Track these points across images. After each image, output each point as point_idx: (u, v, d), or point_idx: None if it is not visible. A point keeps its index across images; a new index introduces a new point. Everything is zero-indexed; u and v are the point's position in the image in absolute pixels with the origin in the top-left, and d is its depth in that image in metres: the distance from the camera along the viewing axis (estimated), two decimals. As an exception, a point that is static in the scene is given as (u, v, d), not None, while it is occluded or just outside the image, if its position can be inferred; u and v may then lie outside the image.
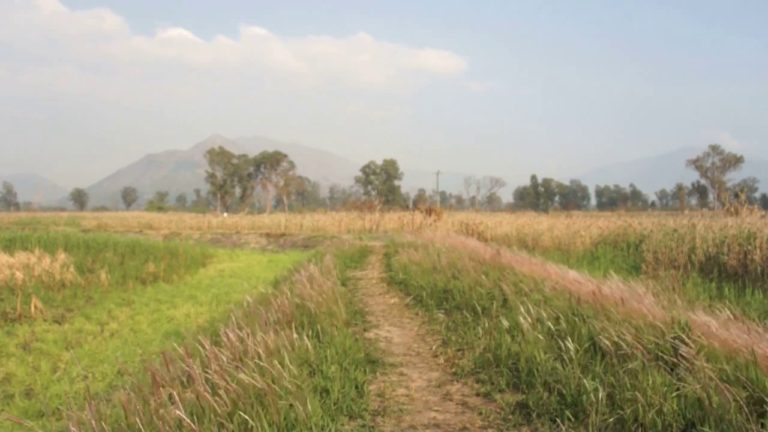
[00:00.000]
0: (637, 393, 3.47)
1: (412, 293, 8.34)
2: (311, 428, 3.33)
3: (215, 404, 3.31)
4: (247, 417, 3.16)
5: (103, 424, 3.17)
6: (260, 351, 4.18)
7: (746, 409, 2.93)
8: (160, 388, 3.71)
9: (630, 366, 3.94)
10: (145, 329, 7.88)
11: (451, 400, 4.06)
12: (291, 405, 3.45)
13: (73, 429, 3.07)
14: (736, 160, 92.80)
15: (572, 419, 3.40)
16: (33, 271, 11.07)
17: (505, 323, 5.28)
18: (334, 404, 3.75)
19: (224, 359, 4.00)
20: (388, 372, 4.71)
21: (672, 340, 4.06)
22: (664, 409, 3.26)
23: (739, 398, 3.03)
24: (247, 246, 25.69)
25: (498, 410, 3.82)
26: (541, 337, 4.77)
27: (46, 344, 6.89)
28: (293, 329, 5.00)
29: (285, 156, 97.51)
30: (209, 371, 3.72)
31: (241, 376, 3.58)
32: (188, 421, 3.02)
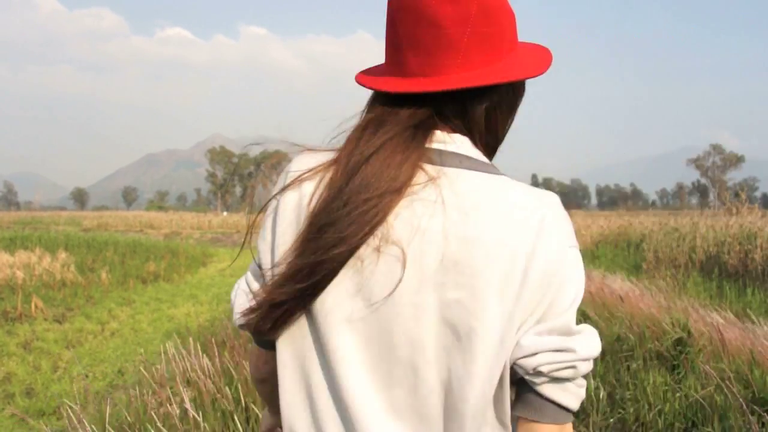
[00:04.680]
0: (638, 393, 3.47)
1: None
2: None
3: (216, 402, 3.32)
4: (246, 415, 3.17)
5: (104, 422, 3.17)
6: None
7: (748, 409, 2.93)
8: (161, 387, 3.71)
9: (631, 365, 3.94)
10: (146, 328, 7.88)
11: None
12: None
13: (73, 428, 3.07)
14: (736, 160, 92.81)
15: (573, 418, 3.40)
16: (33, 270, 11.08)
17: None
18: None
19: (226, 356, 4.00)
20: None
21: (673, 340, 4.06)
22: (666, 409, 3.26)
23: (740, 398, 3.02)
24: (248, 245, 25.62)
25: (499, 409, 3.81)
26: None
27: (47, 343, 6.89)
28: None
29: (286, 155, 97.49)
30: (210, 368, 3.73)
31: (244, 373, 3.59)
32: (192, 414, 3.02)
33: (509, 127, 0.74)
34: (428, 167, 0.67)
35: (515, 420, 0.71)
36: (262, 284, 0.74)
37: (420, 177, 0.66)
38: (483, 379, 0.65)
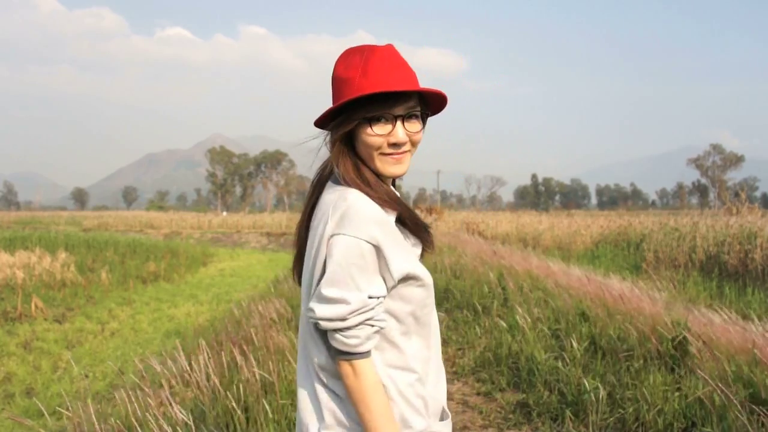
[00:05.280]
0: (638, 392, 3.47)
1: (413, 292, 8.30)
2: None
3: (216, 401, 3.31)
4: (246, 415, 3.16)
5: (104, 423, 3.17)
6: (261, 348, 4.18)
7: (748, 409, 2.93)
8: (161, 387, 3.71)
9: (631, 365, 3.94)
10: (146, 328, 7.89)
11: (451, 399, 4.06)
12: (293, 402, 3.45)
13: (73, 428, 3.07)
14: (736, 159, 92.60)
15: (573, 418, 3.40)
16: (34, 270, 11.08)
17: (506, 322, 5.27)
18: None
19: (225, 357, 4.00)
20: (388, 371, 4.70)
21: (673, 340, 4.05)
22: (665, 409, 3.26)
23: (740, 398, 3.02)
24: (248, 245, 25.71)
25: (499, 409, 3.81)
26: (543, 334, 4.77)
27: (47, 343, 6.90)
28: (293, 328, 5.00)
29: (285, 155, 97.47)
30: (210, 369, 3.72)
31: (243, 374, 3.59)
32: (193, 414, 3.02)
33: (337, 156, 1.15)
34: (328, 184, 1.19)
35: None
36: None
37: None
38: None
